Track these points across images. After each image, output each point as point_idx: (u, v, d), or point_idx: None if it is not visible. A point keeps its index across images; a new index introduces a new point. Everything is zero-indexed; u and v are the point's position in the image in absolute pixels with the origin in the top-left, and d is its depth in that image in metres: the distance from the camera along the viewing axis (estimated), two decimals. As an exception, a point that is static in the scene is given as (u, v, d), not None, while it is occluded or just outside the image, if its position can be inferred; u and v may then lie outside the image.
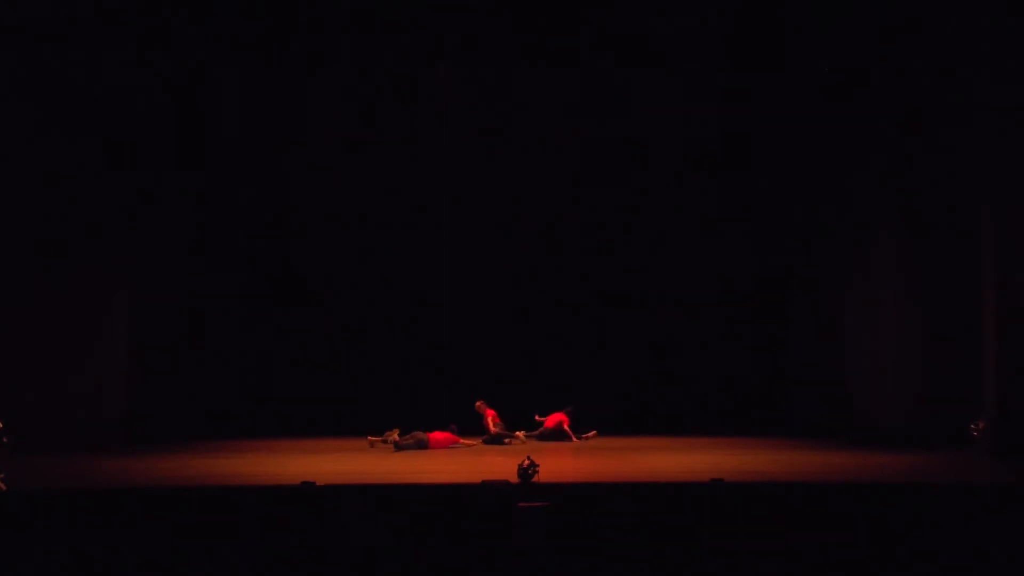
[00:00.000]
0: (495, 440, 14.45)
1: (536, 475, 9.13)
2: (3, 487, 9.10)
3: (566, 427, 14.82)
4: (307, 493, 8.80)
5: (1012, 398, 12.20)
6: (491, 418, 14.83)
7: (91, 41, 13.50)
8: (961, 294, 13.42)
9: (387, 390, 16.75)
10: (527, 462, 9.21)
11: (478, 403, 14.97)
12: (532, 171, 17.26)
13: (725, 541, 8.40)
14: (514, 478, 9.12)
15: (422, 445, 13.63)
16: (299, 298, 17.12)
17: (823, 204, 15.90)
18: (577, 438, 14.72)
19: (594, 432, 14.97)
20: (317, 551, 8.28)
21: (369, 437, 13.99)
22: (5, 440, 11.98)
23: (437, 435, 13.85)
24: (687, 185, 17.19)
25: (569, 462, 11.73)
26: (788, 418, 16.15)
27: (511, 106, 17.01)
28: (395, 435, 13.77)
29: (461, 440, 14.05)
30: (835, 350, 15.49)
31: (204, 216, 16.41)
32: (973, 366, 12.90)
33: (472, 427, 14.64)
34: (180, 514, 8.57)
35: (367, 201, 17.23)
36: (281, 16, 14.30)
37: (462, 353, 16.91)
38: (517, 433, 14.73)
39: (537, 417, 15.23)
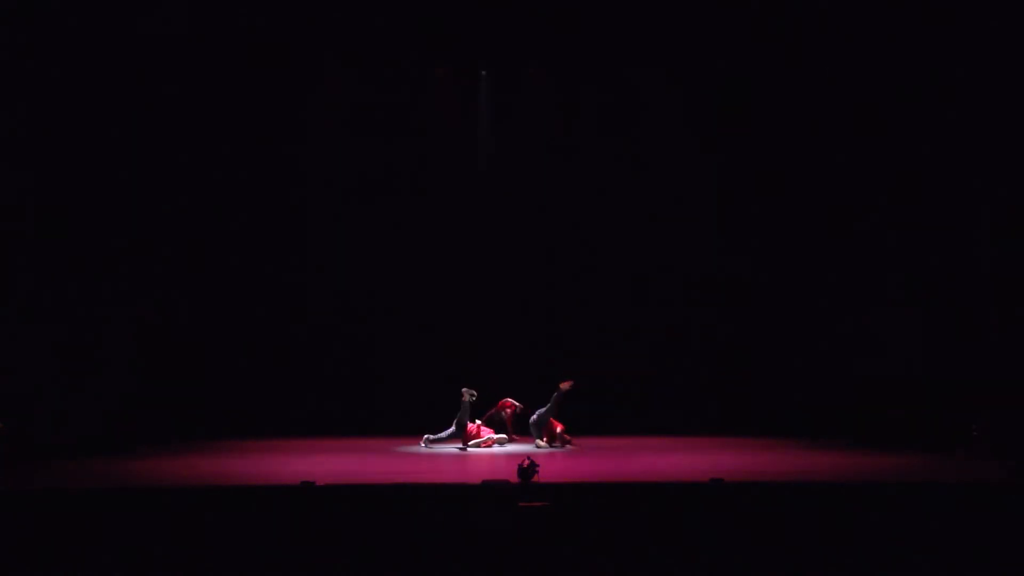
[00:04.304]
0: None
1: (536, 475, 9.13)
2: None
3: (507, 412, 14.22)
4: (307, 493, 8.80)
5: (1012, 398, 12.21)
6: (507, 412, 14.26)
7: None
8: (961, 293, 13.44)
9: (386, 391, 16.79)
10: (527, 462, 9.21)
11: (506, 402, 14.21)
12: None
13: (725, 541, 8.40)
14: (514, 478, 9.12)
15: (459, 429, 13.50)
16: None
17: (824, 203, 15.91)
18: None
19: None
20: (317, 551, 8.28)
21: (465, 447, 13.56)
22: (4, 429, 11.97)
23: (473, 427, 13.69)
24: (687, 183, 17.24)
25: (569, 462, 11.72)
26: (787, 418, 16.15)
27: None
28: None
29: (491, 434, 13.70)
30: (835, 349, 15.48)
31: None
32: (973, 366, 12.91)
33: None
34: (180, 514, 8.57)
35: (367, 199, 17.26)
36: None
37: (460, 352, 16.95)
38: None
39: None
